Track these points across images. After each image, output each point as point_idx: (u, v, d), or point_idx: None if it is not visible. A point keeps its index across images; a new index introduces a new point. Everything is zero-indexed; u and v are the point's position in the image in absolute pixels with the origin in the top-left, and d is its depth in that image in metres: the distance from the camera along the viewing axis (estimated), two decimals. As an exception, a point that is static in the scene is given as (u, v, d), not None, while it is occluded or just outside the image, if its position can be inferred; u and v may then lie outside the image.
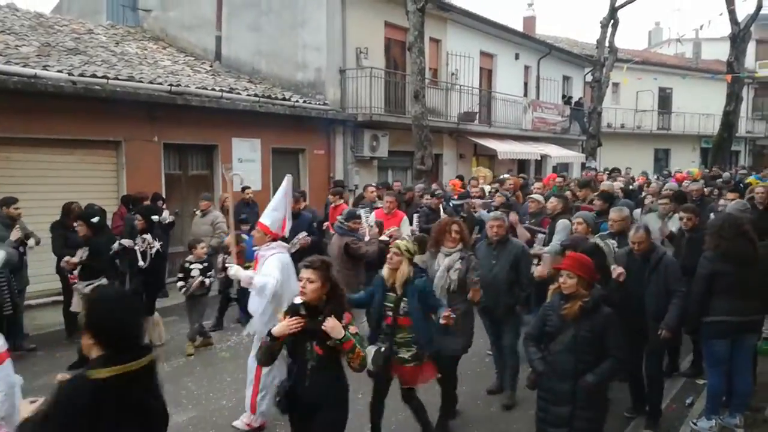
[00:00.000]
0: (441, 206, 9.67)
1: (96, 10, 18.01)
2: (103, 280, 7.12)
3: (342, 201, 10.36)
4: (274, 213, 5.58)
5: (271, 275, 5.23)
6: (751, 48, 26.48)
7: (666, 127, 32.20)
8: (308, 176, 14.50)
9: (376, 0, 15.71)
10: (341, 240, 7.12)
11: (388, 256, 4.82)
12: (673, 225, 7.15)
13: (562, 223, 7.00)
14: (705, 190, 10.64)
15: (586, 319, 4.11)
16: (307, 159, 14.58)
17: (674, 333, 5.34)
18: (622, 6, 22.39)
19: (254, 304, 5.39)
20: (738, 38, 21.86)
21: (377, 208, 9.54)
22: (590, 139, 23.53)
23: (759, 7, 21.76)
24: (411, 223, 9.62)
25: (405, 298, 4.71)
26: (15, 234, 7.33)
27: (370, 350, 4.42)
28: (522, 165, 22.77)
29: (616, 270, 5.16)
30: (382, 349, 4.63)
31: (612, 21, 22.41)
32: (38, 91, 9.28)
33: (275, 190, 12.51)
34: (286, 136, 13.79)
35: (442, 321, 4.60)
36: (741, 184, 12.22)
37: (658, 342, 5.27)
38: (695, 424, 5.33)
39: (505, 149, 19.48)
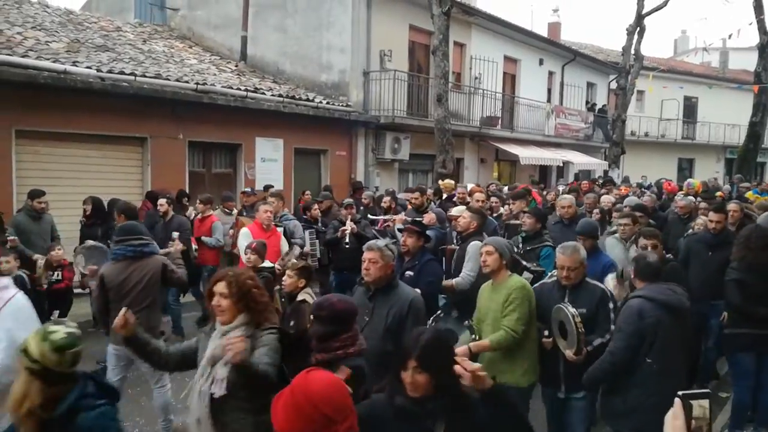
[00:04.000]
0: (350, 218, 8.05)
1: (124, 8, 18.24)
2: None
3: (212, 211, 8.64)
4: None
5: None
6: (779, 58, 26.01)
7: (690, 136, 31.82)
8: (329, 177, 14.55)
9: (401, 3, 15.73)
10: (154, 262, 5.08)
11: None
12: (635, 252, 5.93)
13: (474, 247, 5.34)
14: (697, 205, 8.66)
15: None
16: (329, 160, 14.64)
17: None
18: (648, 13, 22.18)
19: None
20: (767, 48, 21.54)
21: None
22: (613, 146, 23.31)
23: (789, 16, 21.41)
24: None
25: None
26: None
27: None
28: (544, 171, 22.66)
29: None
30: None
31: (638, 28, 22.21)
32: (67, 87, 9.42)
33: (297, 190, 12.75)
34: (308, 136, 13.86)
35: None
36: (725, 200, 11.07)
37: None
38: (718, 437, 5.26)
39: (527, 155, 19.38)
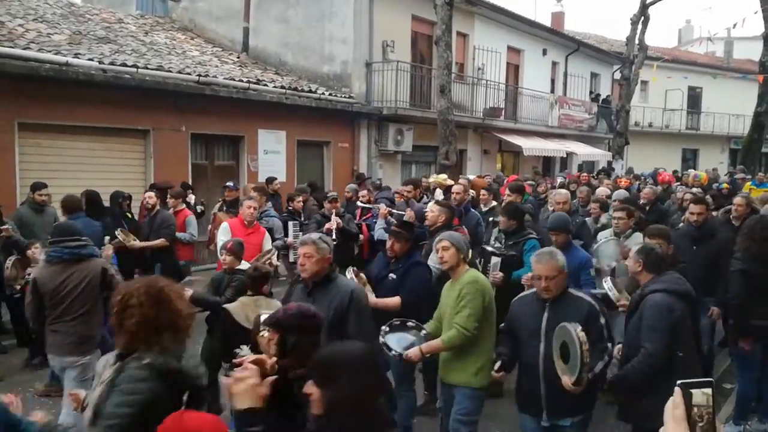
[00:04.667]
0: (335, 212, 7.78)
1: (125, 0, 18.18)
2: None
3: (184, 205, 8.37)
4: None
5: None
6: (785, 47, 25.83)
7: (695, 127, 31.68)
8: (332, 169, 14.54)
9: (404, -7, 15.66)
10: (94, 266, 4.71)
11: None
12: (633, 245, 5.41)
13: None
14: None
15: None
16: (332, 152, 14.62)
17: None
18: (653, 3, 22.04)
19: None
20: (772, 37, 21.34)
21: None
22: (617, 137, 23.24)
23: (795, 5, 21.22)
24: (287, 234, 7.92)
25: None
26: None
27: None
28: (547, 162, 22.60)
29: None
30: None
31: (642, 18, 22.07)
32: (69, 79, 9.41)
33: (299, 182, 12.73)
34: (311, 128, 13.83)
35: None
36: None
37: None
38: (722, 428, 5.25)
39: (530, 146, 19.32)
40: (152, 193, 8.00)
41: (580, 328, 3.46)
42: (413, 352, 4.04)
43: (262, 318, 3.04)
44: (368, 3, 14.79)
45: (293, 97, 13.03)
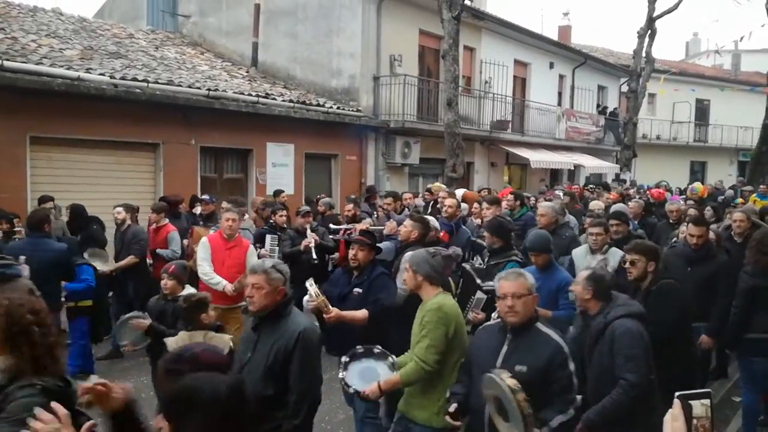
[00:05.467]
0: (309, 227, 7.54)
1: (137, 15, 18.40)
2: None
3: (167, 221, 8.00)
4: None
5: None
6: (793, 60, 25.83)
7: (703, 139, 31.64)
8: (340, 182, 14.60)
9: (411, 8, 15.77)
10: (17, 286, 3.53)
11: None
12: (613, 261, 5.42)
13: (407, 257, 4.43)
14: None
15: None
16: (339, 164, 14.69)
17: None
18: (659, 16, 22.12)
19: None
20: (780, 50, 21.35)
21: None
22: (625, 150, 23.25)
23: (802, 18, 21.23)
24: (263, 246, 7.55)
25: None
26: None
27: None
28: (555, 175, 22.61)
29: None
30: None
31: (649, 31, 22.14)
32: (81, 94, 9.53)
33: (308, 194, 12.79)
34: (319, 141, 13.91)
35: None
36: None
37: None
38: (731, 442, 5.22)
39: (537, 158, 19.35)
40: (121, 209, 7.75)
41: (507, 374, 3.01)
42: (371, 390, 3.69)
43: None
44: (376, 18, 14.93)
45: (301, 110, 13.14)
